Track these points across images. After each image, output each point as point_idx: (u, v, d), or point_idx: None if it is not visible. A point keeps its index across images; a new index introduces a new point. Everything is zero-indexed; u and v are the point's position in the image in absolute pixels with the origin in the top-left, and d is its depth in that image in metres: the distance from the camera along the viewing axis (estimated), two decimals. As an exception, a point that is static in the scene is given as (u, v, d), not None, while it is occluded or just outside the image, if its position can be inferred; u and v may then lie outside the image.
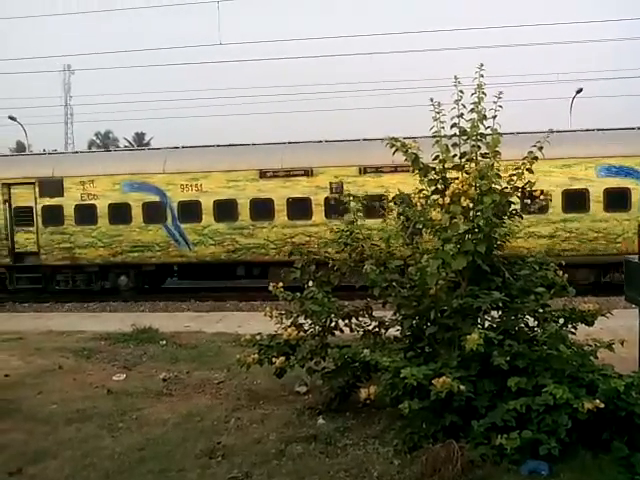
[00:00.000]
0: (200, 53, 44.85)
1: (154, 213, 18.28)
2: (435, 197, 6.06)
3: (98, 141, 72.32)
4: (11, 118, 36.53)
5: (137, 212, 18.35)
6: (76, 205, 18.59)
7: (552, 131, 6.43)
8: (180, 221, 18.26)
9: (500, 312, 5.96)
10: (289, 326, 6.76)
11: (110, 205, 18.42)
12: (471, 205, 5.76)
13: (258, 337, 7.02)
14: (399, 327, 6.45)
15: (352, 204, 7.07)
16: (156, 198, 18.27)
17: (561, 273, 6.22)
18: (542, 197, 6.52)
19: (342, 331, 6.88)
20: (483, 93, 6.10)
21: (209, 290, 19.08)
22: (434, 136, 6.16)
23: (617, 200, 16.48)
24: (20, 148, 54.54)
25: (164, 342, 10.37)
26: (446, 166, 6.10)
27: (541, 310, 5.92)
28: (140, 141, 68.46)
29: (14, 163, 20.67)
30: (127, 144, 67.38)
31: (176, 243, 18.36)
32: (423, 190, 6.37)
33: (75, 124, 68.22)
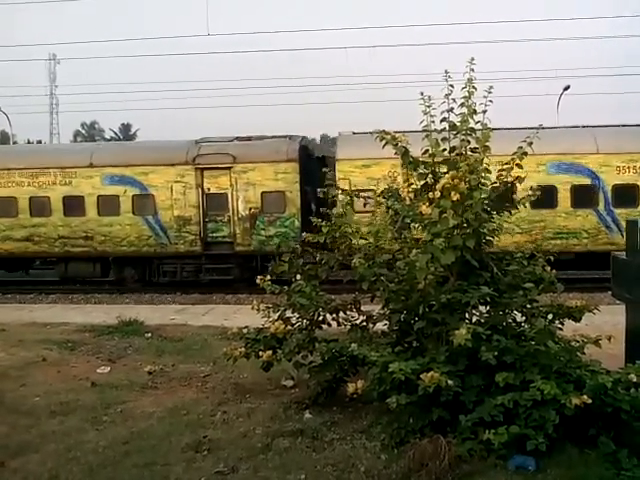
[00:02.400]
0: (188, 44, 44.45)
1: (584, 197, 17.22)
2: (424, 191, 6.03)
3: (84, 131, 71.81)
4: (-5, 107, 36.05)
5: (564, 196, 17.30)
6: None
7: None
8: (614, 206, 17.24)
9: (488, 307, 5.95)
10: (276, 320, 6.71)
11: None
12: (460, 200, 5.74)
13: (245, 330, 6.98)
14: (387, 321, 6.43)
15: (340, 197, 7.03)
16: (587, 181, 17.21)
17: (549, 269, 6.23)
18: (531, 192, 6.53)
19: (330, 325, 6.86)
20: (473, 87, 6.07)
21: (194, 285, 18.99)
22: (424, 130, 6.13)
23: None
24: (4, 137, 53.99)
25: (149, 335, 10.29)
26: (436, 160, 6.07)
27: (529, 305, 5.93)
28: (126, 132, 68.06)
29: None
30: (113, 135, 66.90)
31: (607, 230, 17.35)
32: (412, 184, 6.35)
33: (60, 114, 67.59)
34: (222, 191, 18.00)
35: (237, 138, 18.89)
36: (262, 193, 17.83)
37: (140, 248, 18.50)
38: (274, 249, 16.18)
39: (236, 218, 18.03)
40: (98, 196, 18.48)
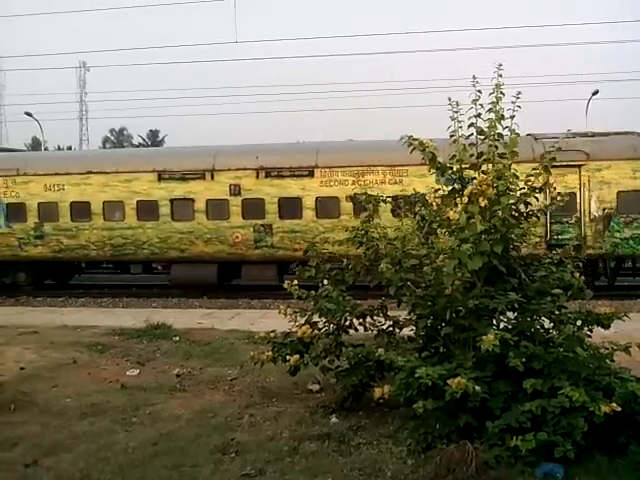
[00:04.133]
0: (216, 51, 44.98)
1: None
2: (452, 197, 6.04)
3: (112, 138, 72.81)
4: (27, 114, 36.81)
5: None
6: None
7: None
8: None
9: (516, 313, 5.92)
10: (303, 324, 6.76)
11: None
12: (488, 205, 5.73)
13: (272, 335, 7.03)
14: (413, 327, 6.43)
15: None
16: None
17: (578, 275, 6.18)
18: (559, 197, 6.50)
19: (356, 330, 6.88)
20: (501, 93, 6.06)
21: (221, 288, 19.12)
22: (451, 135, 6.14)
23: None
24: (36, 144, 55.04)
25: (177, 338, 10.42)
26: (463, 166, 6.08)
27: (557, 312, 5.88)
28: (154, 138, 68.87)
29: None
30: (141, 141, 67.73)
31: None
32: (439, 190, 6.36)
33: (90, 121, 68.70)
34: (569, 190, 16.06)
35: (580, 134, 17.08)
36: (618, 192, 16.58)
37: None
38: (629, 252, 16.24)
39: (587, 219, 16.68)
40: None
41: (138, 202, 18.01)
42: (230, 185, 17.58)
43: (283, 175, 17.48)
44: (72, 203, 18.37)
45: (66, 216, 18.42)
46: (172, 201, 17.85)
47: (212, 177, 17.76)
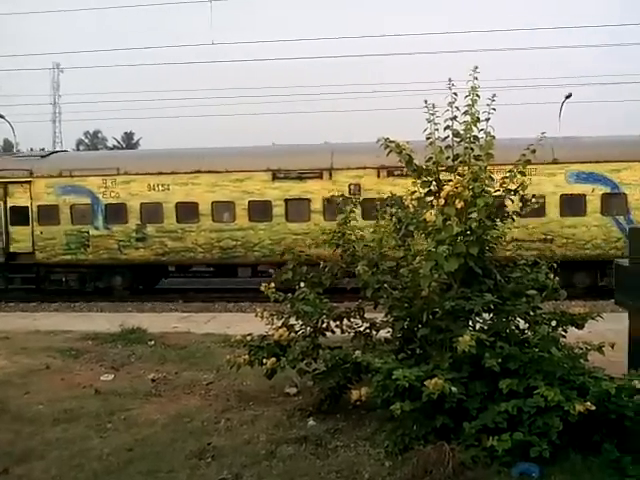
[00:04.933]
0: (192, 53, 44.79)
1: None
2: (429, 199, 6.06)
3: (87, 140, 72.00)
4: (-1, 116, 36.20)
5: None
6: None
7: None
8: None
9: (492, 314, 5.97)
10: (280, 327, 6.73)
11: None
12: (464, 207, 5.77)
13: (248, 338, 6.99)
14: (390, 329, 6.45)
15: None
16: None
17: (552, 276, 6.25)
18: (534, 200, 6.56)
19: (333, 332, 6.87)
20: (477, 95, 6.11)
21: (197, 291, 19.00)
22: (428, 138, 6.17)
23: None
24: (8, 146, 54.19)
25: (152, 342, 10.30)
26: (439, 168, 6.11)
27: (532, 313, 5.94)
28: (129, 141, 68.24)
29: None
30: (116, 144, 67.09)
31: None
32: (415, 192, 6.38)
33: (63, 123, 67.85)
34: None
35: None
36: None
37: (607, 251, 16.63)
38: None
39: None
40: (561, 195, 16.90)
41: (250, 202, 17.40)
42: (349, 185, 17.07)
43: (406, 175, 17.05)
44: (178, 204, 17.75)
45: (171, 217, 17.77)
46: (287, 201, 17.28)
47: (330, 176, 17.27)
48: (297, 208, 17.32)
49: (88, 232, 18.17)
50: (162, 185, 17.75)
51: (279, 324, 6.77)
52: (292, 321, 6.79)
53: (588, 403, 4.93)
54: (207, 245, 17.65)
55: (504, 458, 4.99)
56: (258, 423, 6.41)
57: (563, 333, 6.05)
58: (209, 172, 17.59)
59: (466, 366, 5.47)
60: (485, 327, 5.82)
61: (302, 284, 6.91)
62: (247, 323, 9.26)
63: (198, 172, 17.62)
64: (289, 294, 6.85)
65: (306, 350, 6.60)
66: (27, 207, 18.32)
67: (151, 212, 17.84)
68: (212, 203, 17.61)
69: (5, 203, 18.39)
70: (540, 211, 15.92)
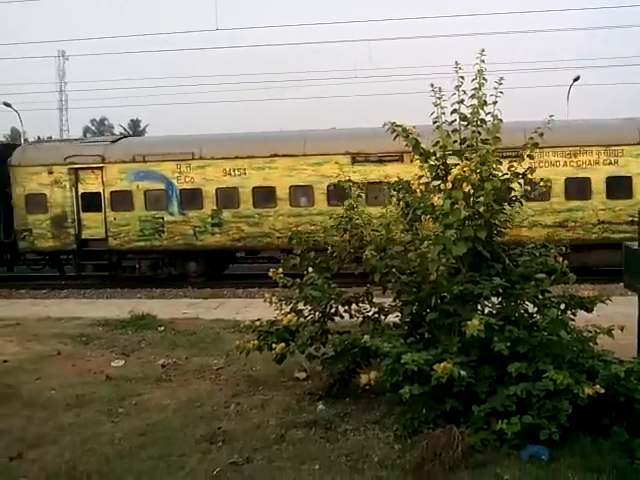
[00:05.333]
0: (197, 39, 44.64)
1: None
2: (436, 183, 6.04)
3: (93, 128, 72.03)
4: (6, 104, 36.26)
5: None
6: None
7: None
8: None
9: (500, 298, 5.96)
10: (289, 312, 6.75)
11: None
12: (472, 191, 5.75)
13: (257, 323, 7.01)
14: (399, 313, 6.46)
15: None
16: None
17: (561, 259, 6.23)
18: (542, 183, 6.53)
19: (342, 317, 6.89)
20: (484, 79, 6.07)
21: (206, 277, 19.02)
22: (434, 122, 6.14)
23: None
24: (15, 135, 54.30)
25: (162, 328, 10.37)
26: (447, 152, 6.08)
27: (541, 296, 5.92)
28: (135, 128, 68.20)
29: None
30: (122, 131, 67.08)
31: None
32: (423, 176, 6.35)
33: (70, 111, 67.86)
34: None
35: None
36: None
37: None
38: None
39: None
40: None
41: (328, 186, 17.05)
42: None
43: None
44: (255, 188, 17.46)
45: (248, 202, 17.46)
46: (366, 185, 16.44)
47: (411, 160, 16.88)
48: (377, 192, 16.38)
49: (163, 218, 17.84)
50: (238, 170, 17.47)
51: (288, 309, 6.79)
52: (301, 306, 6.81)
53: (597, 386, 4.94)
54: (285, 230, 17.16)
55: (513, 441, 5.02)
56: (268, 407, 6.45)
57: (572, 316, 6.04)
58: (286, 156, 17.30)
59: (475, 350, 5.47)
60: (494, 311, 5.82)
61: (310, 269, 6.92)
62: (256, 309, 9.34)
63: (275, 156, 17.33)
64: (297, 279, 6.87)
65: (315, 335, 6.62)
66: (99, 193, 17.97)
67: (227, 197, 17.55)
68: (290, 187, 17.37)
69: (76, 189, 18.06)
70: (628, 192, 16.01)
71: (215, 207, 17.60)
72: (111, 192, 17.90)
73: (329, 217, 16.49)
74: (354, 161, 16.99)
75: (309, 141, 17.64)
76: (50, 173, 18.06)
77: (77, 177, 18.07)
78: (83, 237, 18.24)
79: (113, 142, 19.17)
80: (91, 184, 18.06)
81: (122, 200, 17.88)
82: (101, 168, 17.95)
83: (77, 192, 18.10)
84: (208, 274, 18.63)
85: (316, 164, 17.14)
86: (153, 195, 17.91)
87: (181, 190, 17.70)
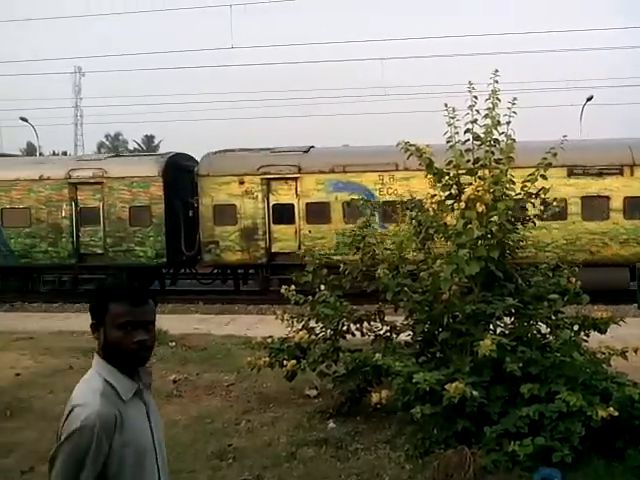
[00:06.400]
0: (212, 56, 45.06)
1: None
2: (449, 202, 6.06)
3: (108, 143, 72.69)
4: (23, 119, 36.72)
5: None
6: None
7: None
8: None
9: (513, 318, 5.95)
10: (300, 329, 6.76)
11: None
12: (485, 211, 5.76)
13: (269, 340, 7.03)
14: (411, 332, 6.45)
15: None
16: None
17: (574, 280, 6.21)
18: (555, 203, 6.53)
19: (354, 335, 6.88)
20: (497, 99, 6.10)
21: (217, 293, 19.04)
22: (448, 141, 6.17)
23: None
24: (31, 149, 54.94)
25: (173, 344, 10.37)
26: (460, 171, 6.11)
27: (554, 317, 5.91)
28: (149, 143, 68.76)
29: None
30: (136, 146, 67.69)
31: None
32: (435, 195, 6.38)
33: (85, 126, 68.55)
34: None
35: None
36: None
37: None
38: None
39: None
40: None
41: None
42: None
43: None
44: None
45: None
46: (583, 199, 16.08)
47: (632, 173, 16.09)
48: (594, 206, 16.18)
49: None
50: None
51: (299, 327, 6.80)
52: (312, 324, 6.82)
53: (611, 409, 4.90)
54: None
55: (526, 463, 4.98)
56: (279, 425, 6.44)
57: (585, 338, 6.01)
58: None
59: (487, 370, 5.45)
60: (506, 331, 5.81)
61: (322, 287, 6.94)
62: (267, 325, 9.33)
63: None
64: (309, 297, 6.88)
65: (326, 353, 6.62)
66: (292, 204, 17.17)
67: None
68: None
69: (268, 200, 17.36)
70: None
71: None
72: (307, 204, 17.12)
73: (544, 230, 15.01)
74: (571, 174, 16.08)
75: (521, 152, 17.17)
76: (241, 183, 17.28)
77: (269, 188, 17.31)
78: (273, 250, 17.40)
79: (305, 152, 18.13)
80: (284, 195, 17.32)
81: (318, 212, 17.03)
82: (296, 179, 17.21)
83: (268, 203, 17.30)
84: None
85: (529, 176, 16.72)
86: (353, 207, 16.58)
87: (384, 202, 16.40)
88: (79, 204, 17.89)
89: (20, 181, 18.11)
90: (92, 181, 17.84)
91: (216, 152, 18.21)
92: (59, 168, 18.29)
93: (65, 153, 60.29)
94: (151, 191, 17.53)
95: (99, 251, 17.94)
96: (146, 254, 17.81)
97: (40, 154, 41.87)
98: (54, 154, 55.51)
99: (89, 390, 2.18)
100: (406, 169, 16.35)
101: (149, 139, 69.71)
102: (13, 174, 18.24)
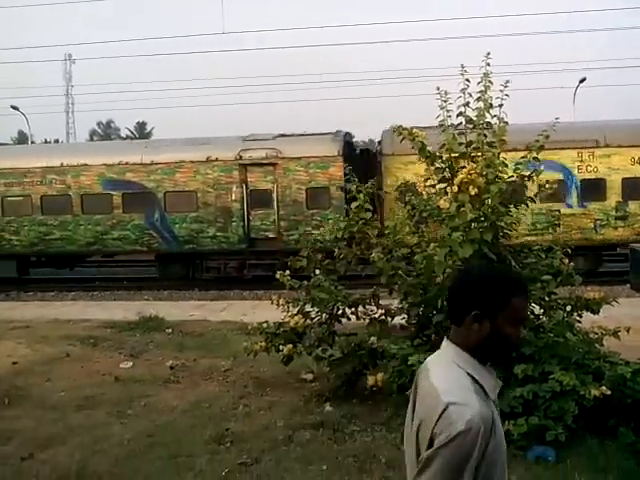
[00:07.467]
0: (203, 42, 44.73)
1: None
2: (442, 185, 6.08)
3: (100, 130, 72.31)
4: (14, 107, 36.44)
5: None
6: None
7: None
8: None
9: (506, 300, 5.97)
10: (296, 314, 6.80)
11: None
12: (478, 194, 5.78)
13: (265, 325, 7.06)
14: (405, 315, 6.49)
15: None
16: None
17: (567, 261, 6.25)
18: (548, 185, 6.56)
19: (349, 319, 6.93)
20: (489, 82, 6.10)
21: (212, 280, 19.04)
22: (440, 124, 6.18)
23: None
24: (22, 138, 54.58)
25: (170, 330, 10.41)
26: (453, 155, 6.12)
27: (547, 298, 5.96)
28: (142, 131, 68.41)
29: None
30: (129, 133, 67.33)
31: None
32: (429, 179, 6.40)
33: (76, 113, 68.13)
34: None
35: None
36: None
37: None
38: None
39: None
40: None
41: None
42: None
43: None
44: None
45: None
46: None
47: None
48: None
49: (559, 210, 16.50)
50: None
51: (295, 311, 6.84)
52: (308, 308, 6.86)
53: (604, 387, 4.96)
54: None
55: (520, 442, 5.03)
56: (275, 409, 6.49)
57: (578, 318, 6.07)
58: None
59: (481, 351, 5.49)
60: (500, 313, 5.83)
61: (317, 271, 6.97)
62: (262, 311, 9.37)
63: None
64: (304, 281, 6.91)
65: (322, 337, 6.67)
66: None
67: (634, 187, 16.20)
68: None
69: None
70: None
71: (620, 199, 16.36)
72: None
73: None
74: None
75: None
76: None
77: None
78: None
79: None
80: None
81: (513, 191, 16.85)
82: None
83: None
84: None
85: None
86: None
87: (582, 180, 16.39)
88: (249, 186, 17.30)
89: (185, 163, 17.46)
90: (265, 162, 17.17)
91: (387, 130, 17.33)
92: (228, 149, 17.48)
93: (57, 141, 59.94)
94: (330, 172, 16.83)
95: (271, 235, 17.30)
96: (324, 238, 17.30)
97: (32, 142, 41.57)
98: (46, 142, 55.13)
99: (459, 386, 1.94)
100: (607, 146, 16.17)
101: (141, 126, 69.36)
102: (177, 156, 17.59)
